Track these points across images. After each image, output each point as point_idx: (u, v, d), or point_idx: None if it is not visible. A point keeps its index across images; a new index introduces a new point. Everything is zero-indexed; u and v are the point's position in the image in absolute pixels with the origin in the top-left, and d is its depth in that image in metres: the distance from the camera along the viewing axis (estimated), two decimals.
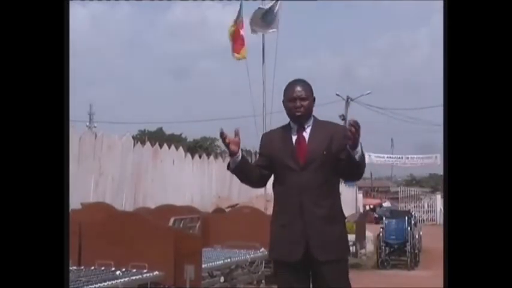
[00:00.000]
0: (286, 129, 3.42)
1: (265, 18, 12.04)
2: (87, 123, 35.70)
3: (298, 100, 3.33)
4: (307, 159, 3.27)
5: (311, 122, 3.40)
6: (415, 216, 12.96)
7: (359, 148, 3.12)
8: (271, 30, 12.17)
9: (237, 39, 12.23)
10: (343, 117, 29.16)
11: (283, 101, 3.42)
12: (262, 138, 3.53)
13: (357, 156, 3.14)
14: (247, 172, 3.40)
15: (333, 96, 33.10)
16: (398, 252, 10.86)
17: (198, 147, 34.96)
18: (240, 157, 3.28)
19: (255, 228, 7.65)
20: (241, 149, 3.31)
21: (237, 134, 3.25)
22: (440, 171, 36.54)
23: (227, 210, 10.16)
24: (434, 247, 10.65)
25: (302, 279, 3.31)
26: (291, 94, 3.36)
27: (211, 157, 15.86)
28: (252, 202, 12.51)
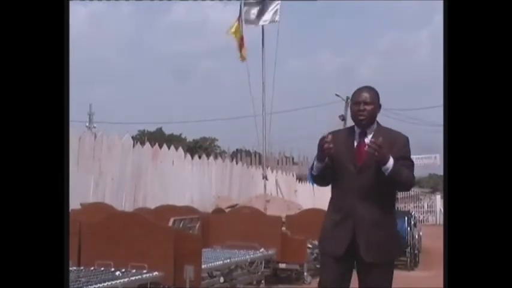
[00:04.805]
0: (349, 132, 3.55)
1: (260, 11, 12.07)
2: (87, 124, 35.63)
3: (363, 104, 3.43)
4: (365, 163, 3.38)
5: (374, 127, 3.50)
6: (414, 217, 12.94)
7: (388, 166, 3.29)
8: (266, 23, 12.16)
9: (240, 40, 12.23)
10: (343, 118, 29.02)
11: (350, 105, 3.56)
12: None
13: (386, 173, 3.30)
14: (329, 174, 3.50)
15: (332, 96, 33.06)
16: None
17: (197, 148, 34.96)
18: (327, 160, 3.41)
19: (255, 228, 7.66)
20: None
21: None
22: (440, 171, 36.54)
23: (227, 210, 10.16)
24: (434, 247, 10.64)
25: (343, 273, 3.46)
26: (357, 98, 3.48)
27: (211, 157, 15.88)
28: (251, 202, 12.51)
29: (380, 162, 3.29)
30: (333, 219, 3.51)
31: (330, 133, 3.51)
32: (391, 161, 3.29)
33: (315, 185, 3.79)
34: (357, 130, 3.50)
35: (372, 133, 3.47)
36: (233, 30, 12.19)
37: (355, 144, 3.46)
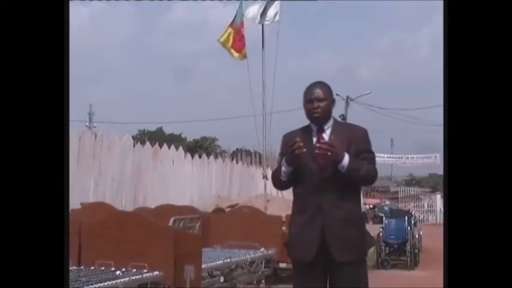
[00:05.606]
0: (306, 131, 3.44)
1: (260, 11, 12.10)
2: (87, 123, 35.67)
3: (316, 101, 3.36)
4: (326, 160, 3.28)
5: (331, 123, 3.43)
6: (415, 216, 12.95)
7: (343, 163, 3.23)
8: (266, 23, 12.18)
9: (238, 39, 12.24)
10: (343, 117, 29.12)
11: (303, 104, 3.44)
12: (283, 139, 3.51)
13: (343, 170, 3.24)
14: (293, 178, 3.41)
15: None
16: (398, 252, 10.87)
17: (198, 147, 34.94)
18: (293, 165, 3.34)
19: (255, 228, 7.66)
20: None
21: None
22: (440, 171, 36.57)
23: (227, 210, 10.16)
24: (434, 247, 10.65)
25: (318, 278, 3.34)
26: (310, 95, 3.39)
27: (211, 157, 15.89)
28: (251, 202, 12.51)
29: (334, 161, 3.23)
30: (299, 222, 3.38)
31: (285, 135, 3.48)
32: (346, 159, 3.22)
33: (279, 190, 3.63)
34: (314, 127, 3.42)
35: (330, 128, 3.40)
36: (223, 39, 12.20)
37: (315, 141, 3.34)
